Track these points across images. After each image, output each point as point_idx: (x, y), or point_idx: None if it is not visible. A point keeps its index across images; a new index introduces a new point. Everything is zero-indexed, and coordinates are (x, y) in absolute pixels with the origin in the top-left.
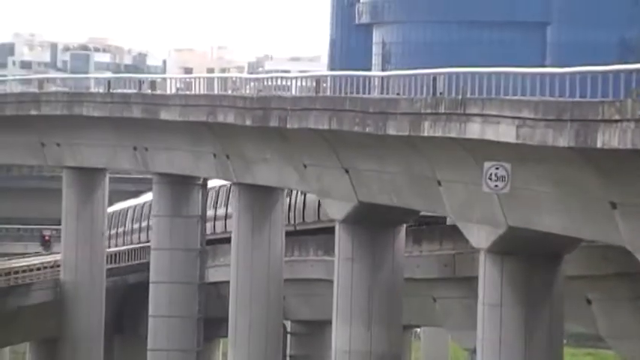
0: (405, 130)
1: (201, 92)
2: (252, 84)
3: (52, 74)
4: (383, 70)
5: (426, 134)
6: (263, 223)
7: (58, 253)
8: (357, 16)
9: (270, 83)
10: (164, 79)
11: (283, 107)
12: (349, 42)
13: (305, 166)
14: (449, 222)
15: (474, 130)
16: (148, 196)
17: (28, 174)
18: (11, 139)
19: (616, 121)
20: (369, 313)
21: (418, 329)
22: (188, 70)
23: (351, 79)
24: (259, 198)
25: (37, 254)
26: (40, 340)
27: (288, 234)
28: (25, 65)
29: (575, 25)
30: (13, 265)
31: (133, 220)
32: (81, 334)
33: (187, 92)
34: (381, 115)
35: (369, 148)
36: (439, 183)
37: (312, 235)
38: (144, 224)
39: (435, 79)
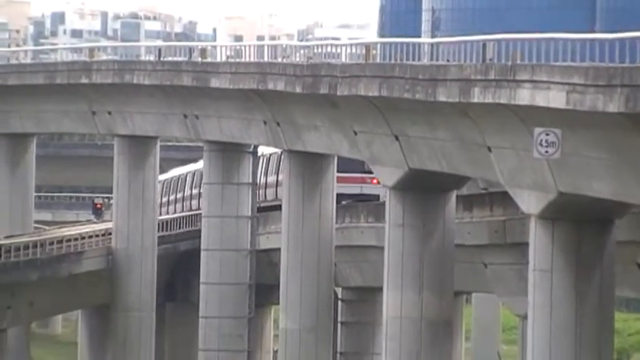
0: (454, 96)
1: (252, 60)
2: (302, 51)
3: (103, 42)
4: (432, 36)
5: (475, 100)
6: (314, 190)
7: (110, 220)
8: None
9: (319, 50)
10: (214, 46)
11: (333, 74)
12: (399, 9)
13: (355, 133)
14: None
15: (524, 96)
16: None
17: (79, 142)
18: (62, 107)
19: None
20: (419, 279)
21: (469, 295)
22: (238, 38)
23: (400, 46)
24: (310, 165)
25: (88, 222)
26: (92, 307)
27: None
28: (76, 34)
29: None
30: (65, 233)
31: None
32: (133, 302)
33: (237, 60)
34: (430, 82)
35: (419, 115)
36: (489, 149)
37: None
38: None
39: (484, 45)
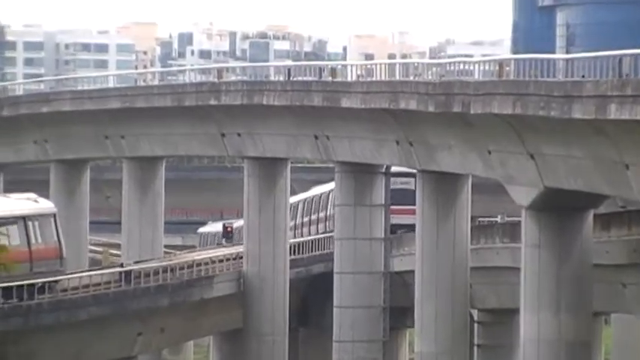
0: (590, 113)
1: (383, 78)
2: (434, 69)
3: (231, 63)
4: (567, 52)
5: (612, 117)
6: (448, 210)
7: (241, 244)
8: None
9: (452, 68)
10: (345, 65)
11: (466, 92)
12: (532, 24)
13: (489, 152)
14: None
15: None
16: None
17: (208, 165)
18: (191, 129)
19: None
20: (557, 300)
21: (608, 316)
22: (369, 57)
23: (534, 62)
24: (443, 185)
25: (219, 246)
26: (223, 332)
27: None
28: (204, 55)
29: None
30: (195, 257)
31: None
32: (265, 327)
33: (369, 79)
34: (566, 99)
35: (555, 132)
36: (627, 167)
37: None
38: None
39: (620, 60)
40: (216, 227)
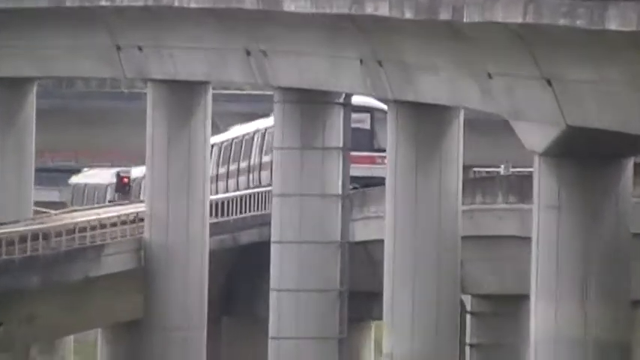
0: (631, 23)
1: None
2: None
3: None
4: None
5: None
6: (431, 157)
7: (142, 201)
8: None
9: None
10: None
11: None
12: None
13: (490, 76)
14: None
15: None
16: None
17: (97, 91)
18: (73, 41)
19: None
20: (582, 283)
21: None
22: None
23: None
24: (425, 122)
25: (111, 204)
26: (116, 325)
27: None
28: None
29: None
30: (78, 219)
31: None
32: (175, 317)
33: None
34: (597, 3)
35: (581, 50)
36: None
37: None
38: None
39: None
40: (103, 177)
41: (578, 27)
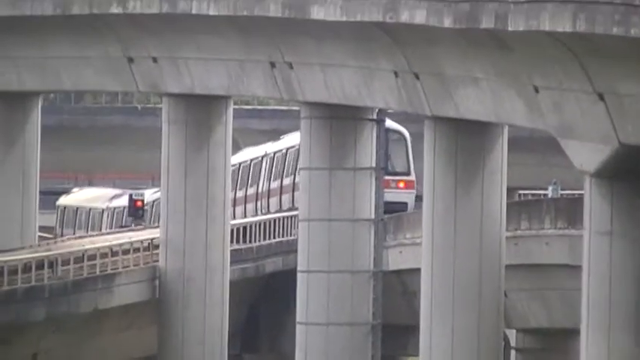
0: None
1: None
2: None
3: None
4: None
5: None
6: (473, 176)
7: (156, 227)
8: None
9: None
10: None
11: None
12: None
13: (536, 90)
14: None
15: None
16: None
17: (107, 106)
18: (80, 52)
19: None
20: (638, 315)
21: None
22: None
23: None
24: (466, 140)
25: (123, 229)
26: None
27: None
28: None
29: None
30: (88, 246)
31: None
32: (191, 353)
33: None
34: None
35: (636, 61)
36: None
37: None
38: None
39: None
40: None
41: (632, 36)
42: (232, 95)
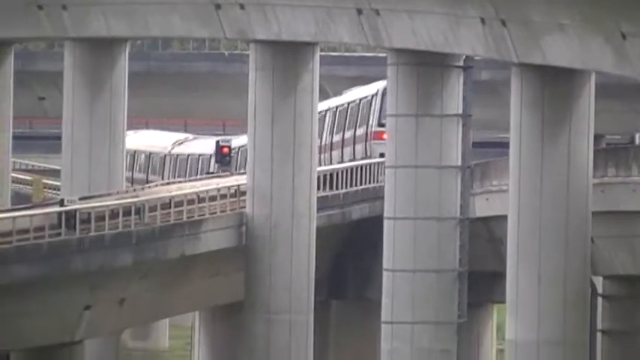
0: None
1: None
2: None
3: None
4: None
5: None
6: (559, 123)
7: (244, 173)
8: None
9: None
10: None
11: None
12: None
13: (624, 36)
14: None
15: None
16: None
17: (194, 52)
18: None
19: None
20: None
21: None
22: None
23: None
24: (553, 86)
25: (210, 176)
26: (216, 308)
27: None
28: None
29: None
30: (174, 192)
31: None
32: (279, 300)
33: None
34: None
35: None
36: None
37: None
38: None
39: None
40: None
41: None
42: (319, 42)
